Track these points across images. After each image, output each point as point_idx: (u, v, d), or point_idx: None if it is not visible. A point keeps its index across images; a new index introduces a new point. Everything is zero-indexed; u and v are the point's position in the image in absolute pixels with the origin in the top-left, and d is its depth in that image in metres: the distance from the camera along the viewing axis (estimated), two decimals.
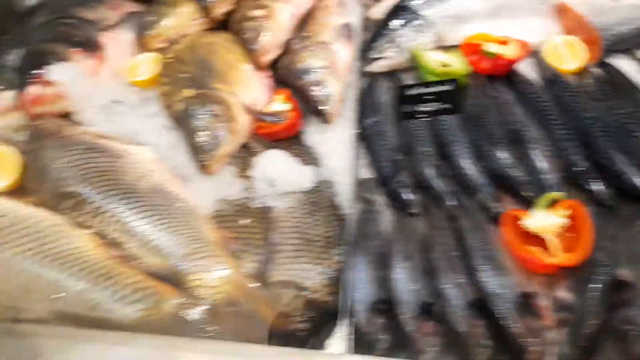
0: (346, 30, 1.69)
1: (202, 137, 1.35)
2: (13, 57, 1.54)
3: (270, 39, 1.57)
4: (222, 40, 1.61)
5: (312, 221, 1.32)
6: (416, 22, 1.71)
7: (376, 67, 1.76)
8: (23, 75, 1.41)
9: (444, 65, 1.60)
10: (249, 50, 1.55)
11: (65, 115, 1.49)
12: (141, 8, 1.74)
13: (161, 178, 1.33)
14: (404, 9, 1.74)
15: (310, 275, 1.21)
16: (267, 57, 1.57)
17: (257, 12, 1.58)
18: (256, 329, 1.12)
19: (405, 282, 1.16)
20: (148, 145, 1.42)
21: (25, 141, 1.34)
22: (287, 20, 1.62)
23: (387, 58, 1.73)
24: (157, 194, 1.27)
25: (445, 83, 1.31)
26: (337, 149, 1.54)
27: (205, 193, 1.37)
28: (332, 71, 1.58)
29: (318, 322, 1.16)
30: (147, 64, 1.59)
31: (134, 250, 1.16)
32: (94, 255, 1.10)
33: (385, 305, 1.14)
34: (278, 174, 1.37)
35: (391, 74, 1.76)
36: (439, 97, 1.33)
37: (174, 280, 1.15)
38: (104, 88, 1.49)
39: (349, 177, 1.45)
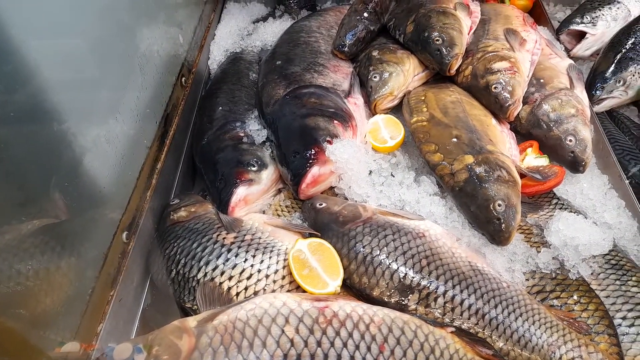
0: (576, 72, 1.62)
1: (501, 206, 1.26)
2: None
3: (521, 91, 1.49)
4: (462, 96, 1.53)
5: (632, 288, 1.24)
6: None
7: (602, 107, 1.70)
8: (301, 157, 1.30)
9: None
10: (499, 104, 1.47)
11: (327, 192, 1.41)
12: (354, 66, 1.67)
13: (467, 255, 1.24)
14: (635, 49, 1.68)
15: None
16: (518, 110, 1.49)
17: (501, 65, 1.50)
18: None
19: None
20: (424, 218, 1.34)
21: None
22: (528, 69, 1.55)
23: (613, 97, 1.68)
24: (479, 274, 1.18)
25: None
26: (602, 200, 1.47)
27: (502, 265, 1.29)
28: (582, 118, 1.51)
29: None
30: (387, 128, 1.51)
31: (500, 345, 1.07)
32: (470, 357, 1.00)
33: None
34: (579, 238, 1.29)
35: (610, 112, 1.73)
36: None
37: None
38: (361, 158, 1.39)
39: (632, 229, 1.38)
